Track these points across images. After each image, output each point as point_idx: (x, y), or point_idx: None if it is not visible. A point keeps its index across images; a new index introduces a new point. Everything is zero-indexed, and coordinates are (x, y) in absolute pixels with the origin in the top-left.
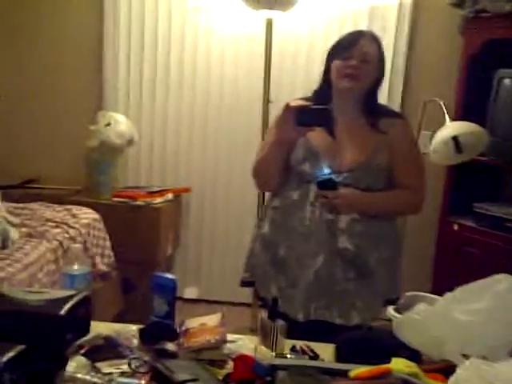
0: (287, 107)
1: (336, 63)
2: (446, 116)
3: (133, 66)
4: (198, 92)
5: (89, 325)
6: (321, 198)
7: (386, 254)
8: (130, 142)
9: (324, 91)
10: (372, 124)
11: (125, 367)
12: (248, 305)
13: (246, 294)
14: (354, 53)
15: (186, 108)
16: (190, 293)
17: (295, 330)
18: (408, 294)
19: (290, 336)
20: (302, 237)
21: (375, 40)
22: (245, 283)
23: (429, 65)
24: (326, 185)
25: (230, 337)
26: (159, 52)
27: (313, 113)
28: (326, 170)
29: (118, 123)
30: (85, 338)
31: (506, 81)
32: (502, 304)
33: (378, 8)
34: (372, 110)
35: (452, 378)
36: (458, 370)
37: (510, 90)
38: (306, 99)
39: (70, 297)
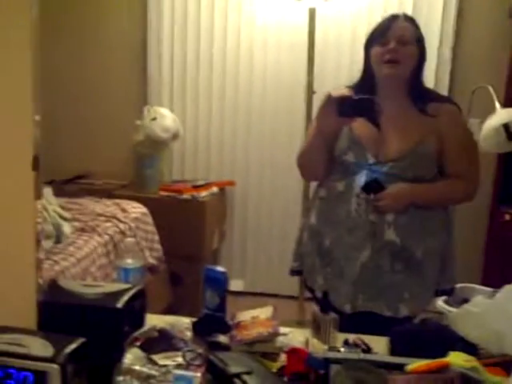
0: (329, 98)
1: (375, 50)
2: (496, 103)
3: (176, 61)
4: (241, 84)
5: (144, 317)
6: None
7: (434, 244)
8: (175, 135)
9: (367, 79)
10: (420, 109)
11: (179, 359)
12: (294, 297)
13: (292, 287)
14: (391, 36)
15: (229, 101)
16: (235, 285)
17: (342, 321)
18: (458, 285)
19: (340, 329)
20: (348, 229)
21: (411, 21)
22: (294, 272)
23: (477, 51)
24: (371, 187)
25: (281, 330)
26: (202, 45)
27: (355, 103)
28: (371, 160)
29: (163, 117)
30: (140, 331)
31: None
32: None
33: None
34: (418, 94)
35: None
36: None
37: None
38: (350, 88)
39: (126, 290)
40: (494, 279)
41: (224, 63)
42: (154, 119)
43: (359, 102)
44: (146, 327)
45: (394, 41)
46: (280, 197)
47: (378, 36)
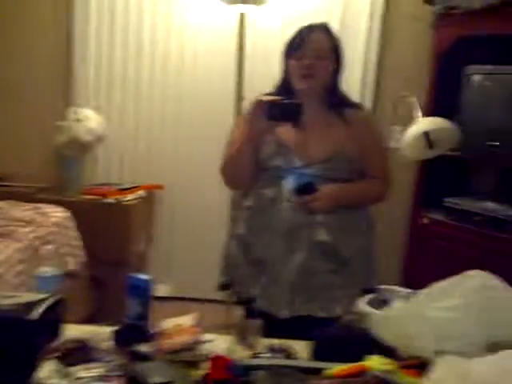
0: (259, 102)
1: (291, 63)
2: (418, 112)
3: (103, 61)
4: (170, 88)
5: (61, 328)
6: (299, 203)
7: (361, 243)
8: (100, 138)
9: (286, 87)
10: (337, 114)
11: (99, 371)
12: (221, 302)
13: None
14: (306, 51)
15: (157, 104)
16: (161, 290)
17: (278, 328)
18: (379, 287)
19: (273, 334)
20: (282, 234)
21: (327, 31)
22: (223, 286)
23: (401, 61)
24: (305, 189)
25: (205, 337)
26: (130, 47)
27: (285, 107)
28: (298, 163)
29: (88, 119)
30: (57, 342)
31: (475, 77)
32: (475, 300)
33: (351, 4)
34: (336, 101)
35: (428, 375)
36: (434, 367)
37: (479, 85)
38: (270, 95)
39: (42, 300)
40: (413, 280)
41: (153, 66)
42: (78, 121)
43: (289, 106)
44: (63, 338)
45: (310, 55)
46: (208, 202)
47: (294, 49)
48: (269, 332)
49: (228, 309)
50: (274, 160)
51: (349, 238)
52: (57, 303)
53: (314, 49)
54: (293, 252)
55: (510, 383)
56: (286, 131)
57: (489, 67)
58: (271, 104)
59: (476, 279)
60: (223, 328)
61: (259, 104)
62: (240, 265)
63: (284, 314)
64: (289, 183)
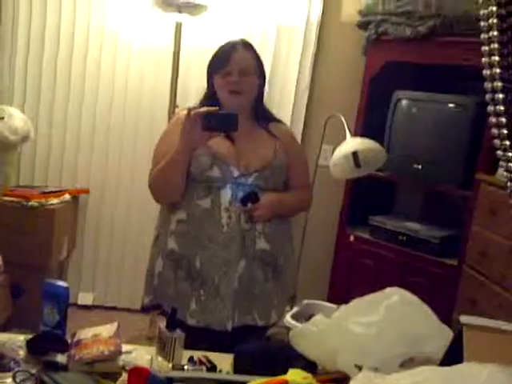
0: (195, 112)
1: (217, 80)
2: (347, 132)
3: (31, 59)
4: (102, 91)
5: None
6: (241, 212)
7: (290, 251)
8: (25, 138)
9: (213, 100)
10: (264, 127)
11: (9, 381)
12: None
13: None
14: (232, 67)
15: (87, 107)
16: (84, 299)
17: (216, 340)
18: (305, 301)
19: (212, 347)
20: (221, 245)
21: (250, 48)
22: (147, 308)
23: (333, 82)
24: (249, 198)
25: (125, 347)
26: (61, 47)
27: (221, 118)
28: (235, 173)
29: (13, 118)
30: None
31: (403, 102)
32: (394, 317)
33: (285, 28)
34: (261, 115)
35: None
36: (351, 382)
37: (406, 110)
38: (197, 106)
39: None
40: (339, 296)
41: (84, 68)
42: (2, 119)
43: (225, 116)
44: None
45: (236, 72)
46: (135, 209)
47: (220, 66)
48: (206, 345)
49: (151, 318)
50: (209, 171)
51: (282, 246)
52: None
53: (239, 65)
54: (234, 262)
55: None
56: (218, 143)
57: (416, 93)
58: (208, 114)
59: (394, 296)
60: (145, 339)
61: (195, 115)
62: (170, 282)
63: (227, 326)
64: (228, 193)
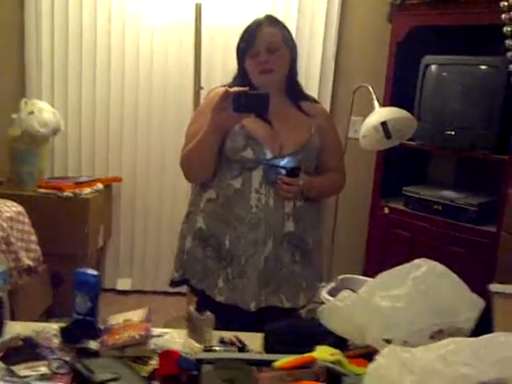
0: (226, 92)
1: (247, 63)
2: (375, 102)
3: (57, 52)
4: (127, 79)
5: (3, 327)
6: (282, 184)
7: (320, 233)
8: (56, 130)
9: (245, 80)
10: (298, 108)
11: (44, 369)
12: (183, 294)
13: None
14: (259, 47)
15: (114, 95)
16: (123, 284)
17: (245, 319)
18: (340, 276)
19: (240, 326)
20: (250, 225)
21: (276, 23)
22: (176, 283)
23: (359, 52)
24: (293, 172)
25: (156, 331)
26: (84, 38)
27: (251, 98)
28: (269, 155)
29: (42, 111)
30: (1, 341)
31: (432, 67)
32: (421, 289)
33: None
34: (295, 93)
35: (371, 365)
36: (377, 357)
37: (436, 76)
38: (229, 86)
39: None
40: (375, 269)
41: (109, 56)
42: (32, 113)
43: (255, 96)
44: (8, 336)
45: (263, 50)
46: (168, 193)
47: (247, 47)
48: (236, 325)
49: (189, 300)
50: (243, 152)
51: (311, 229)
52: None
53: (265, 44)
54: (261, 243)
55: (444, 368)
56: (253, 123)
57: (445, 57)
58: (238, 95)
59: (422, 268)
60: (179, 321)
61: (225, 95)
62: (199, 259)
63: (251, 306)
64: (259, 174)
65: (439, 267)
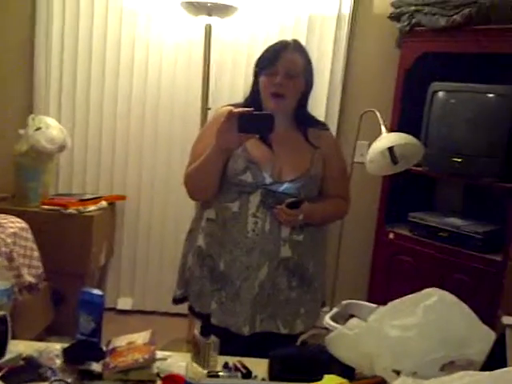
0: (231, 113)
1: (262, 80)
2: (383, 127)
3: (66, 69)
4: (135, 98)
5: (4, 346)
6: (281, 213)
7: (321, 258)
8: (62, 147)
9: (255, 100)
10: (304, 134)
11: None
12: (184, 315)
13: (183, 305)
14: (279, 68)
15: (121, 114)
16: (124, 304)
17: (238, 343)
18: (344, 302)
19: (233, 350)
20: (245, 249)
21: (301, 50)
22: (178, 300)
23: (367, 76)
24: (294, 205)
25: (160, 354)
26: (94, 56)
27: (256, 119)
28: (268, 180)
29: (49, 128)
30: (3, 360)
31: (440, 93)
32: (432, 318)
33: (317, 18)
34: (302, 120)
35: None
36: None
37: (443, 102)
38: (237, 106)
39: None
40: (379, 295)
41: (117, 76)
42: (39, 129)
43: (260, 117)
44: (10, 355)
45: (282, 73)
46: (172, 214)
47: (267, 65)
48: (229, 348)
49: (190, 322)
50: (242, 175)
51: (311, 254)
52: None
53: (286, 67)
54: (257, 268)
55: None
56: (254, 147)
57: (453, 84)
58: (242, 115)
59: (433, 297)
60: (186, 342)
61: (230, 115)
62: (197, 278)
63: (244, 330)
64: (257, 199)
65: (450, 297)
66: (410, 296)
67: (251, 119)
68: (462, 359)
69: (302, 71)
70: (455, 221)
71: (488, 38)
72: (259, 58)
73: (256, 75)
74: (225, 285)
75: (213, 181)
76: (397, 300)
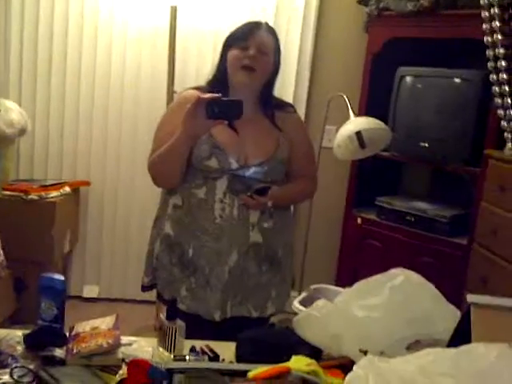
0: (199, 99)
1: (233, 53)
2: (351, 111)
3: (26, 51)
4: (98, 81)
5: None
6: (248, 199)
7: (289, 240)
8: (22, 131)
9: (220, 81)
10: (271, 118)
11: (6, 377)
12: (152, 302)
13: (150, 292)
14: (252, 43)
15: (84, 97)
16: (89, 291)
17: (209, 329)
18: (312, 286)
19: (204, 336)
20: (213, 236)
21: (272, 32)
22: (146, 287)
23: (335, 61)
24: (262, 192)
25: (125, 339)
26: (55, 38)
27: (225, 105)
28: (234, 165)
29: (9, 111)
30: None
31: (407, 78)
32: (398, 299)
33: (285, 2)
34: (268, 103)
35: (348, 376)
36: (354, 368)
37: (411, 86)
38: (200, 89)
39: None
40: (347, 279)
41: (79, 58)
42: None
43: (229, 104)
44: None
45: (255, 48)
46: (137, 199)
47: (239, 39)
48: (200, 334)
49: (158, 309)
50: (207, 161)
51: (280, 237)
52: None
53: (259, 42)
54: (225, 254)
55: (423, 379)
56: (220, 132)
57: (420, 69)
58: (211, 102)
59: (399, 277)
60: (153, 329)
61: (198, 102)
62: (166, 265)
63: (215, 316)
64: (224, 184)
65: (416, 277)
66: (376, 276)
67: (220, 105)
68: (427, 338)
69: (272, 50)
70: (422, 205)
71: (455, 23)
72: (230, 34)
73: (224, 51)
74: (194, 272)
75: (178, 167)
76: (363, 280)
